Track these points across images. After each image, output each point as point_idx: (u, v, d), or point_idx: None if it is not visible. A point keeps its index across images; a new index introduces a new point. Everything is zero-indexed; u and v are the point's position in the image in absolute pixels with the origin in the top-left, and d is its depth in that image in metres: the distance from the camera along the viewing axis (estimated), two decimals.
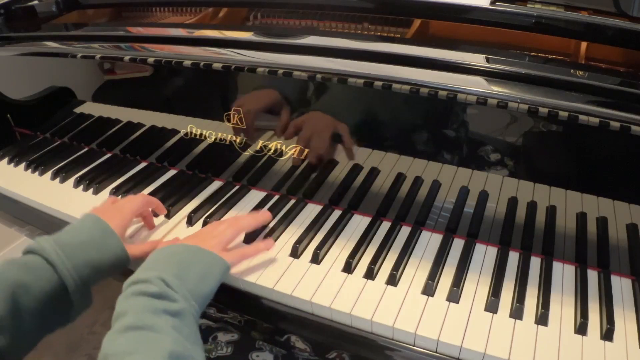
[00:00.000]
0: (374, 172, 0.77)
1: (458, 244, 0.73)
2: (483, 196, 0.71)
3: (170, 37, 0.88)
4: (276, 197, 0.85)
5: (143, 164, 0.98)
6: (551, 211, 0.68)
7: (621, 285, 0.66)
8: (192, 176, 0.93)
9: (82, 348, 1.46)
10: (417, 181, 0.74)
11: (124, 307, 0.54)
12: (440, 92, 0.65)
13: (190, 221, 0.80)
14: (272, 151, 0.83)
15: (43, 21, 1.11)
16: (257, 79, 0.78)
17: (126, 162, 0.98)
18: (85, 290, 0.64)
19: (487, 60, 0.66)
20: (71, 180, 0.94)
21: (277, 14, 0.95)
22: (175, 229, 0.80)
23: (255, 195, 0.87)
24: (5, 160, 1.04)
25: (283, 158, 0.83)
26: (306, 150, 0.80)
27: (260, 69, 0.76)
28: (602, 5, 0.70)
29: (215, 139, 0.87)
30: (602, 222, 0.65)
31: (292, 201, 0.84)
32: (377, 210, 0.79)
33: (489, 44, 0.75)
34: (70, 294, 0.62)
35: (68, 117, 1.03)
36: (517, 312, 0.62)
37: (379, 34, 0.85)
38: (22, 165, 1.01)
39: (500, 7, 0.71)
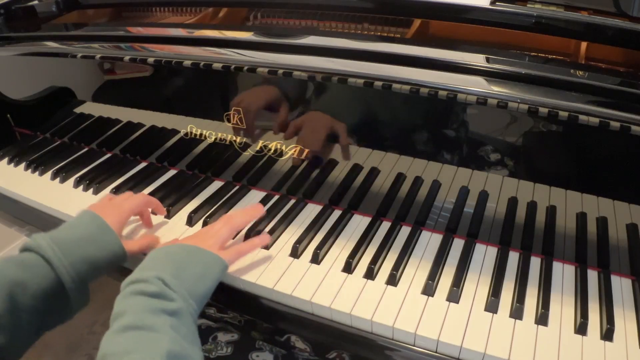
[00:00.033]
0: (374, 172, 0.77)
1: (458, 244, 0.73)
2: (483, 196, 0.71)
3: (170, 37, 0.88)
4: (276, 197, 0.85)
5: (143, 164, 0.98)
6: (551, 211, 0.68)
7: (621, 285, 0.66)
8: (192, 176, 0.93)
9: (82, 348, 1.46)
10: (417, 181, 0.74)
11: (122, 306, 0.54)
12: (440, 92, 0.65)
13: (190, 221, 0.80)
14: (272, 151, 0.83)
15: (43, 21, 1.11)
16: (257, 79, 0.78)
17: (126, 162, 0.98)
18: (83, 287, 0.64)
19: (487, 60, 0.66)
20: (71, 180, 0.94)
21: (277, 14, 0.95)
22: (175, 229, 0.80)
23: (255, 195, 0.87)
24: (5, 160, 1.04)
25: (283, 158, 0.83)
26: (306, 150, 0.80)
27: (260, 69, 0.76)
28: (602, 5, 0.70)
29: (215, 139, 0.87)
30: (602, 222, 0.65)
31: (292, 201, 0.84)
32: (377, 210, 0.79)
33: (489, 44, 0.75)
34: (67, 290, 0.62)
35: (68, 117, 1.03)
36: (517, 312, 0.62)
37: (379, 34, 0.85)
38: (22, 165, 1.01)
39: (500, 7, 0.71)
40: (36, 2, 1.13)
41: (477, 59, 0.66)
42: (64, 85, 0.99)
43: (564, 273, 0.68)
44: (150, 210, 0.81)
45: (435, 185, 0.74)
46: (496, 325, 0.60)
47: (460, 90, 0.64)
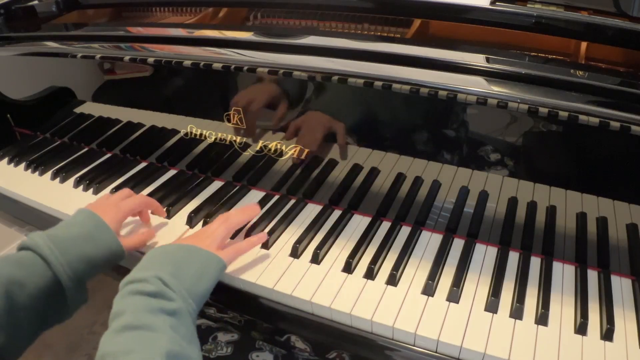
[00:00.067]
0: (374, 172, 0.77)
1: (458, 244, 0.73)
2: (483, 196, 0.71)
3: (170, 37, 0.88)
4: (276, 197, 0.85)
5: (143, 164, 0.98)
6: (551, 211, 0.68)
7: (621, 285, 0.66)
8: (192, 176, 0.93)
9: (82, 348, 1.46)
10: (417, 181, 0.74)
11: (121, 306, 0.54)
12: (440, 92, 0.65)
13: (190, 221, 0.80)
14: (272, 151, 0.83)
15: (43, 21, 1.11)
16: (257, 79, 0.78)
17: (126, 162, 0.98)
18: (80, 285, 0.64)
19: (487, 60, 0.66)
20: (71, 180, 0.94)
21: (277, 14, 0.95)
22: (175, 229, 0.80)
23: (255, 196, 0.87)
24: (5, 160, 1.04)
25: (283, 158, 0.83)
26: (306, 150, 0.80)
27: (260, 69, 0.76)
28: (602, 5, 0.70)
29: (215, 139, 0.87)
30: (602, 222, 0.65)
31: (292, 201, 0.84)
32: (377, 210, 0.79)
33: (489, 44, 0.75)
34: (64, 289, 0.62)
35: (68, 117, 1.03)
36: (517, 312, 0.62)
37: (379, 34, 0.85)
38: (22, 165, 1.01)
39: (500, 7, 0.71)
40: (36, 2, 1.13)
41: (477, 59, 0.66)
42: (64, 85, 0.99)
43: (564, 273, 0.68)
44: (149, 211, 0.81)
45: (435, 185, 0.74)
46: (496, 325, 0.60)
47: (460, 90, 0.64)
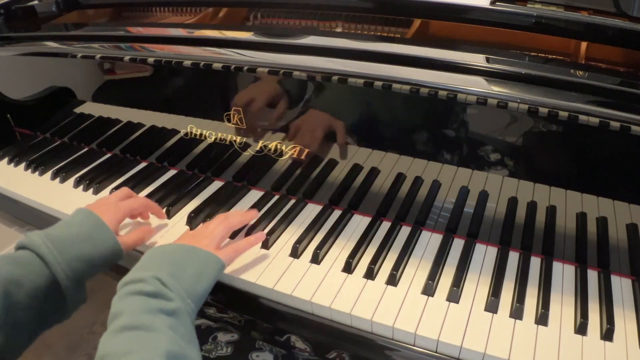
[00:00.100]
0: (374, 172, 0.77)
1: (458, 244, 0.73)
2: (483, 196, 0.71)
3: (170, 37, 0.88)
4: (276, 197, 0.85)
5: (143, 164, 0.98)
6: (551, 211, 0.68)
7: (621, 285, 0.66)
8: (192, 176, 0.93)
9: (82, 348, 1.46)
10: (417, 181, 0.74)
11: (120, 307, 0.54)
12: (440, 92, 0.65)
13: (190, 221, 0.80)
14: (272, 151, 0.83)
15: (43, 21, 1.11)
16: (257, 79, 0.78)
17: (126, 162, 0.98)
18: (79, 285, 0.64)
19: (487, 60, 0.66)
20: (71, 180, 0.94)
21: (277, 14, 0.95)
22: (175, 229, 0.80)
23: (255, 196, 0.87)
24: (5, 160, 1.04)
25: (283, 158, 0.83)
26: (306, 150, 0.80)
27: (260, 69, 0.76)
28: (602, 5, 0.70)
29: (215, 139, 0.87)
30: (602, 222, 0.65)
31: (292, 201, 0.84)
32: (377, 210, 0.79)
33: (489, 44, 0.75)
34: (63, 288, 0.62)
35: (68, 117, 1.03)
36: (517, 312, 0.62)
37: (379, 34, 0.85)
38: (22, 165, 1.01)
39: (500, 7, 0.71)
40: (36, 2, 1.13)
41: (477, 59, 0.66)
42: (64, 85, 0.99)
43: (564, 273, 0.68)
44: (149, 213, 0.81)
45: (435, 185, 0.74)
46: (496, 325, 0.60)
47: (460, 90, 0.64)
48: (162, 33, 0.91)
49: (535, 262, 0.70)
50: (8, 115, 1.12)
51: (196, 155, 0.92)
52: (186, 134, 0.90)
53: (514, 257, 0.71)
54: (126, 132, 0.97)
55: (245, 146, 0.85)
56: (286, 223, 0.79)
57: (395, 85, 0.67)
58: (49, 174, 0.96)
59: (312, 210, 0.82)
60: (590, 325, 0.60)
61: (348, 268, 0.69)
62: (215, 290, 0.64)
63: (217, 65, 0.78)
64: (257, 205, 0.83)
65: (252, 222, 0.78)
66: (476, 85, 0.63)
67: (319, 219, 0.79)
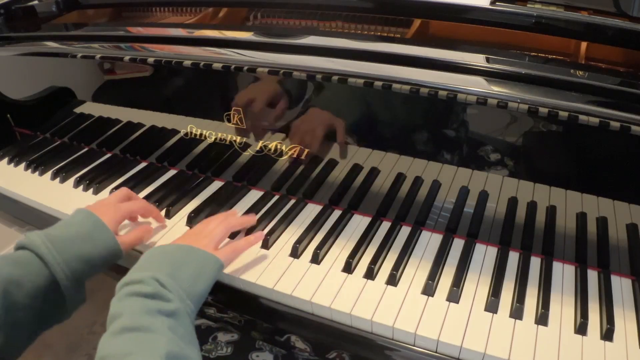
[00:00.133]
0: (374, 172, 0.77)
1: (458, 244, 0.73)
2: (483, 196, 0.71)
3: (170, 37, 0.88)
4: (276, 197, 0.85)
5: (143, 164, 0.98)
6: (551, 211, 0.68)
7: (621, 285, 0.66)
8: (192, 176, 0.93)
9: (82, 348, 1.46)
10: (417, 181, 0.74)
11: (119, 308, 0.54)
12: (440, 92, 0.65)
13: (190, 222, 0.80)
14: (272, 151, 0.83)
15: (43, 21, 1.11)
16: (257, 79, 0.78)
17: (126, 162, 0.98)
18: (78, 285, 0.64)
19: (487, 60, 0.66)
20: (71, 180, 0.94)
21: (277, 14, 0.95)
22: (175, 229, 0.80)
23: (255, 196, 0.86)
24: (5, 160, 1.04)
25: (283, 158, 0.83)
26: (306, 150, 0.80)
27: (260, 69, 0.76)
28: (602, 5, 0.70)
29: (215, 139, 0.87)
30: (602, 222, 0.65)
31: (292, 201, 0.84)
32: (377, 210, 0.79)
33: (489, 44, 0.75)
34: (62, 288, 0.62)
35: (68, 117, 1.03)
36: (517, 312, 0.62)
37: (379, 34, 0.85)
38: (22, 165, 1.01)
39: (500, 7, 0.71)
40: (36, 2, 1.13)
41: (477, 59, 0.66)
42: (64, 85, 0.99)
43: (564, 273, 0.68)
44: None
45: (435, 185, 0.74)
46: (496, 325, 0.60)
47: (460, 90, 0.64)
48: (162, 33, 0.91)
49: (535, 262, 0.70)
50: (8, 115, 1.12)
51: (196, 155, 0.92)
52: (186, 134, 0.90)
53: (514, 257, 0.71)
54: (126, 132, 0.97)
55: (245, 146, 0.85)
56: (286, 223, 0.79)
57: (395, 85, 0.67)
58: (49, 174, 0.96)
59: (312, 210, 0.82)
60: (590, 325, 0.60)
61: (348, 268, 0.69)
62: (215, 290, 0.64)
63: (217, 65, 0.78)
64: (257, 205, 0.83)
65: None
66: (476, 85, 0.63)
67: (319, 219, 0.79)
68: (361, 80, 0.69)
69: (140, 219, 0.81)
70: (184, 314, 0.55)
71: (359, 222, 0.79)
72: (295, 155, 0.81)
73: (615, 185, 0.64)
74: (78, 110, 1.01)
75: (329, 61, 0.72)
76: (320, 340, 0.66)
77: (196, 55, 0.81)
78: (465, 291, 0.65)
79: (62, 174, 0.94)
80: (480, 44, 0.75)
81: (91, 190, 0.91)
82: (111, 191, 0.90)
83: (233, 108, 0.82)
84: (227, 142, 0.86)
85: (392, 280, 0.66)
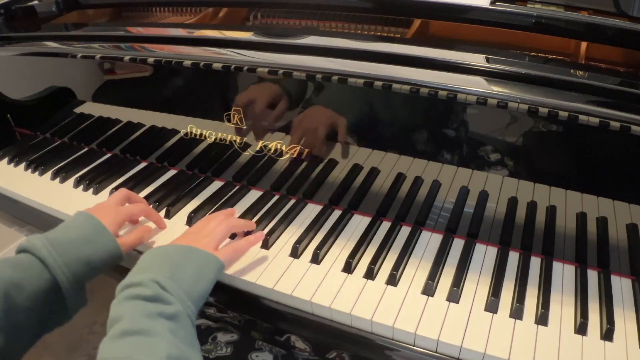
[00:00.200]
0: (374, 172, 0.77)
1: (458, 244, 0.73)
2: (483, 196, 0.71)
3: (170, 37, 0.88)
4: (276, 197, 0.85)
5: (143, 164, 0.98)
6: (551, 211, 0.68)
7: (621, 285, 0.66)
8: (192, 176, 0.93)
9: (82, 348, 1.46)
10: (417, 181, 0.74)
11: (119, 311, 0.53)
12: (440, 92, 0.65)
13: (190, 222, 0.80)
14: (272, 151, 0.83)
15: (43, 21, 1.11)
16: (257, 79, 0.78)
17: (126, 162, 0.98)
18: (79, 287, 0.64)
19: (487, 60, 0.66)
20: (71, 180, 0.94)
21: (277, 14, 0.95)
22: (175, 229, 0.80)
23: (255, 196, 0.86)
24: (5, 160, 1.04)
25: (283, 158, 0.83)
26: (306, 150, 0.80)
27: (260, 69, 0.76)
28: (602, 5, 0.70)
29: (215, 139, 0.87)
30: (602, 222, 0.65)
31: (292, 201, 0.84)
32: (377, 210, 0.79)
33: (489, 44, 0.75)
34: (63, 291, 0.62)
35: (68, 117, 1.03)
36: (517, 312, 0.62)
37: (379, 34, 0.85)
38: (22, 165, 1.01)
39: (500, 7, 0.71)
40: (36, 2, 1.13)
41: (477, 59, 0.66)
42: (64, 85, 0.99)
43: (564, 273, 0.68)
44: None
45: (435, 185, 0.74)
46: (496, 325, 0.60)
47: (460, 90, 0.64)
48: (162, 33, 0.91)
49: (535, 262, 0.70)
50: (8, 115, 1.12)
51: (196, 155, 0.92)
52: (186, 134, 0.90)
53: (514, 257, 0.71)
54: (126, 132, 0.97)
55: (245, 146, 0.85)
56: (286, 223, 0.79)
57: (395, 85, 0.67)
58: (49, 174, 0.96)
59: (312, 210, 0.82)
60: (590, 325, 0.60)
61: (348, 268, 0.69)
62: (215, 291, 0.64)
63: (217, 65, 0.78)
64: (257, 205, 0.83)
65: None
66: (476, 85, 0.63)
67: (319, 219, 0.79)
68: (361, 80, 0.69)
69: (140, 218, 0.81)
70: (184, 315, 0.55)
71: (359, 222, 0.79)
72: (295, 155, 0.81)
73: (615, 185, 0.64)
74: (78, 110, 1.01)
75: (329, 61, 0.72)
76: (320, 340, 0.66)
77: (196, 55, 0.81)
78: (465, 291, 0.65)
79: (62, 174, 0.94)
80: (480, 44, 0.75)
81: (91, 190, 0.91)
82: (111, 191, 0.90)
83: (233, 108, 0.82)
84: (227, 142, 0.86)
85: (392, 280, 0.66)
